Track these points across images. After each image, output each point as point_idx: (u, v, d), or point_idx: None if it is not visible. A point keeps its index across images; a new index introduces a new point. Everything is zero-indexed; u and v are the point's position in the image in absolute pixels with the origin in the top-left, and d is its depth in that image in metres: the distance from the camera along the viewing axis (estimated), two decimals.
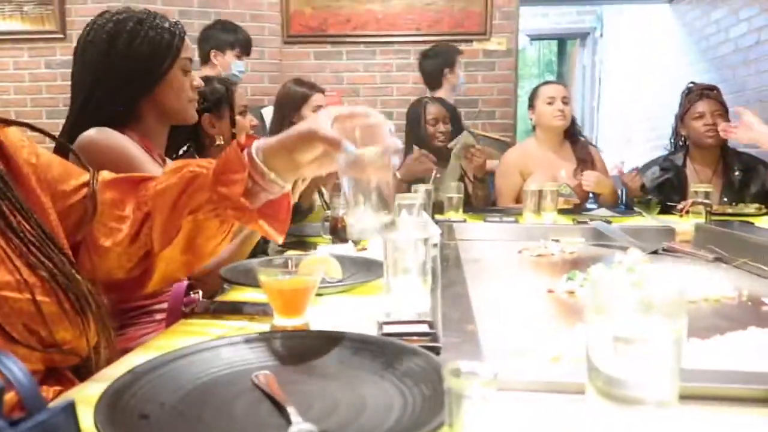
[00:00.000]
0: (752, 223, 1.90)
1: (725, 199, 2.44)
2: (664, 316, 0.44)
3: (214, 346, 0.68)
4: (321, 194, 2.36)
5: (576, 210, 2.43)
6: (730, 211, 2.25)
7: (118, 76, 1.26)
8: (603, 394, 0.46)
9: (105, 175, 0.90)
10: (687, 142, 2.67)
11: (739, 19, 3.40)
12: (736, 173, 2.53)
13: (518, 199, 2.65)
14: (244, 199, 0.80)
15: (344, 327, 0.82)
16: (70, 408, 0.29)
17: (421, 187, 2.02)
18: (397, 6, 4.20)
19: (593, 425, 0.47)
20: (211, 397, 0.60)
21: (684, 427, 0.50)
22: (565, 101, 2.62)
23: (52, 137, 0.91)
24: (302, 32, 4.35)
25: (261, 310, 0.92)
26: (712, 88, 2.65)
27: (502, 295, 1.21)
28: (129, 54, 1.26)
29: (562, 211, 2.26)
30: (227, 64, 3.01)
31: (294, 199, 0.91)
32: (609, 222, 1.99)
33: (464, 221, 2.08)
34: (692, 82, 2.72)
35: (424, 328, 0.79)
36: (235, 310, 0.95)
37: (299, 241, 1.69)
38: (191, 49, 1.36)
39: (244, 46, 3.03)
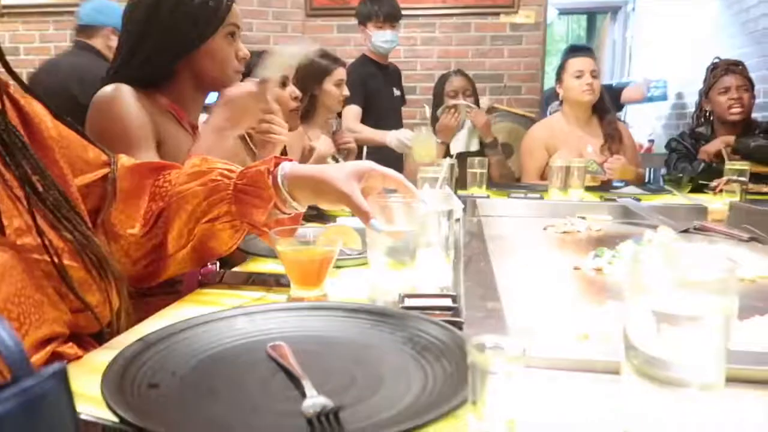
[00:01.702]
0: None
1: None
2: (713, 294, 0.40)
3: (229, 316, 0.66)
4: (336, 160, 2.34)
5: (603, 187, 2.36)
6: (765, 189, 2.16)
7: (158, 38, 1.26)
8: (642, 375, 0.42)
9: (124, 160, 0.91)
10: (711, 117, 2.60)
11: None
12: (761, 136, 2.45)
13: (543, 176, 2.59)
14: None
15: (364, 299, 0.80)
16: (61, 374, 0.27)
17: (445, 161, 1.98)
18: None
19: (631, 406, 0.44)
20: (223, 367, 0.58)
21: (728, 411, 0.47)
22: (594, 75, 2.54)
23: (65, 122, 0.89)
24: (326, 5, 4.28)
25: (279, 281, 0.90)
26: (738, 63, 2.59)
27: (526, 272, 1.17)
28: (171, 18, 1.25)
29: (589, 188, 2.20)
30: (370, 36, 2.97)
31: None
32: (638, 200, 1.93)
33: (488, 197, 2.04)
34: (717, 57, 2.65)
35: (447, 302, 0.76)
36: (253, 280, 0.93)
37: (317, 214, 1.66)
38: (239, 17, 1.34)
39: (384, 16, 2.95)
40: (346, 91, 2.41)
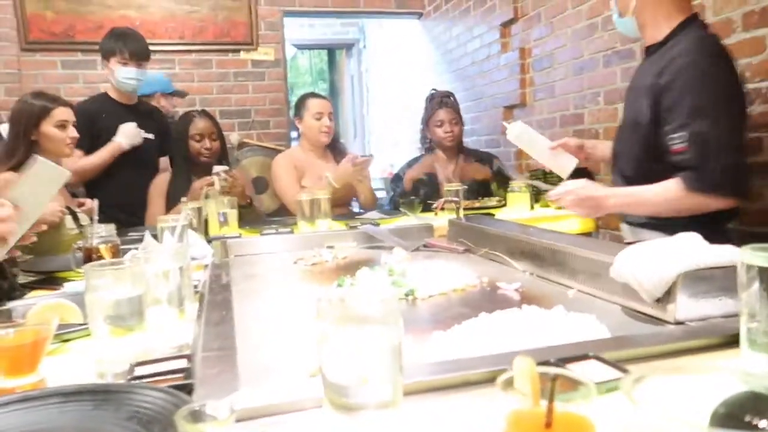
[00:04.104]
0: (493, 215, 2.19)
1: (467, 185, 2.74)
2: (377, 325, 0.48)
3: None
4: (76, 218, 2.13)
5: (349, 214, 2.55)
6: (477, 205, 2.56)
7: None
8: (333, 405, 0.48)
9: None
10: (432, 143, 3.00)
11: (473, 35, 3.89)
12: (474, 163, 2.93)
13: None
14: None
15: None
16: None
17: (190, 205, 1.94)
18: (155, 13, 3.97)
19: None
20: None
21: (411, 420, 0.55)
22: (331, 117, 2.75)
23: None
24: (44, 38, 3.87)
25: None
26: (449, 94, 3.04)
27: (271, 312, 1.21)
28: None
29: (336, 217, 2.35)
30: (113, 71, 2.77)
31: None
32: (377, 224, 2.13)
33: (239, 236, 2.04)
34: (434, 89, 3.08)
35: (181, 363, 0.75)
36: None
37: (47, 278, 1.49)
38: None
39: (129, 53, 2.75)
40: (73, 133, 2.21)
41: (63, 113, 2.18)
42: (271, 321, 1.14)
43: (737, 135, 1.48)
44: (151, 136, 2.88)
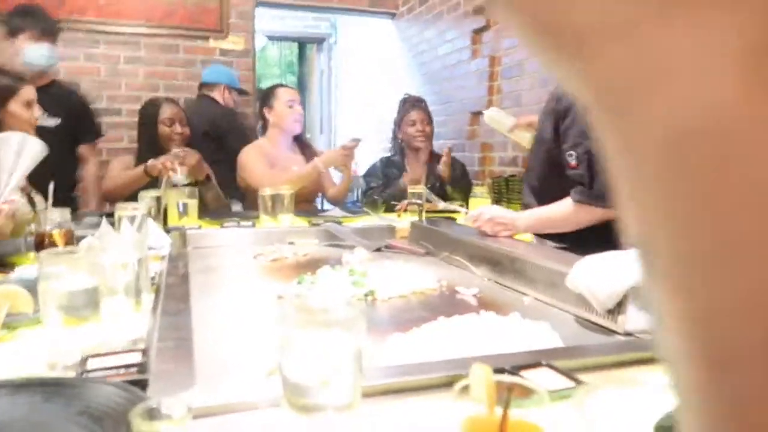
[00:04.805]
0: (454, 219, 2.21)
1: (430, 186, 2.75)
2: (342, 329, 0.49)
3: None
4: (31, 201, 2.05)
5: (313, 210, 2.54)
6: (439, 207, 2.58)
7: None
8: (292, 405, 0.49)
9: None
10: (403, 145, 3.02)
11: (445, 39, 3.92)
12: (441, 167, 2.95)
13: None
14: None
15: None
16: None
17: (149, 193, 1.90)
18: None
19: None
20: None
21: (368, 423, 0.56)
22: (300, 106, 2.74)
23: None
24: (2, 9, 3.71)
25: None
26: (421, 100, 3.08)
27: (230, 307, 1.20)
28: None
29: (299, 212, 2.34)
30: (21, 49, 2.52)
31: None
32: (340, 223, 2.13)
33: (199, 228, 2.01)
34: (407, 93, 3.11)
35: (135, 358, 0.74)
36: None
37: None
38: None
39: (41, 29, 2.54)
40: (38, 112, 2.13)
41: (30, 92, 2.10)
42: (229, 316, 1.13)
43: None
44: (53, 122, 2.61)
